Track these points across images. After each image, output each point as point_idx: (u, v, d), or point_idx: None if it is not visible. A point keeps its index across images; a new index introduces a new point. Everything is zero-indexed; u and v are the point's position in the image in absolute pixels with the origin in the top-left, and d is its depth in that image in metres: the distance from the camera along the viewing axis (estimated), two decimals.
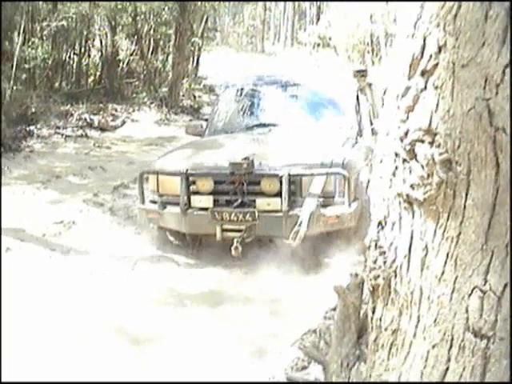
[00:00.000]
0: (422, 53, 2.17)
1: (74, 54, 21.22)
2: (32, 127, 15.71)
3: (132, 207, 9.47)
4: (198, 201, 7.57)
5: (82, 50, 21.53)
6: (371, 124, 8.76)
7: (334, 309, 5.40)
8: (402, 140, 2.22)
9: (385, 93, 2.38)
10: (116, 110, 19.27)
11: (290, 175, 7.14)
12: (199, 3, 22.85)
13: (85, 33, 21.15)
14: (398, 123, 2.24)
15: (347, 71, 9.69)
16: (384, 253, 2.38)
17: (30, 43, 17.43)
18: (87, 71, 22.06)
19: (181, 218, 7.60)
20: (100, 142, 15.97)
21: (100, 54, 22.46)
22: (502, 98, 2.02)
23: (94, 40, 22.61)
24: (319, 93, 9.23)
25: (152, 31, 22.75)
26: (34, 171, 12.42)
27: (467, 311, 2.20)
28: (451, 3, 2.06)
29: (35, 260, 7.57)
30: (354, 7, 32.53)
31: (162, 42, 23.66)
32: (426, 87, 2.18)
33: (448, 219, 2.18)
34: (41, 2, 18.76)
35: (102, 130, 17.43)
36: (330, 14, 36.04)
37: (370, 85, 9.61)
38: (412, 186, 2.23)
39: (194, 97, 23.10)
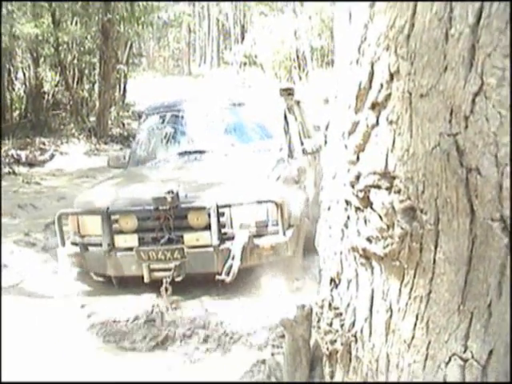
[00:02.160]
0: (371, 82, 1.83)
1: None
2: None
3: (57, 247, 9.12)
4: (123, 240, 7.21)
5: (5, 83, 20.98)
6: (302, 144, 8.57)
7: (281, 336, 5.17)
8: (353, 185, 1.90)
9: (327, 128, 2.06)
10: (44, 144, 18.90)
11: (218, 206, 6.85)
12: (122, 29, 22.53)
13: (7, 66, 20.67)
14: (346, 165, 1.92)
15: (274, 89, 9.51)
16: (340, 314, 2.09)
17: None
18: (12, 105, 21.51)
19: (105, 260, 7.23)
20: (29, 177, 15.58)
21: (24, 86, 22.00)
22: (474, 133, 1.68)
23: (17, 73, 22.16)
24: (246, 114, 8.98)
25: (76, 61, 22.39)
26: None
27: (445, 382, 1.89)
28: (402, 21, 1.71)
29: None
30: (277, 24, 32.75)
31: (86, 71, 23.29)
32: (378, 122, 1.85)
33: (415, 276, 1.87)
34: None
35: (31, 165, 17.05)
36: (255, 32, 36.23)
37: (297, 102, 9.45)
38: (369, 239, 1.92)
39: (123, 124, 22.86)
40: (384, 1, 1.79)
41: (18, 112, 21.75)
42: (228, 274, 6.64)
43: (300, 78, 33.16)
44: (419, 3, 1.70)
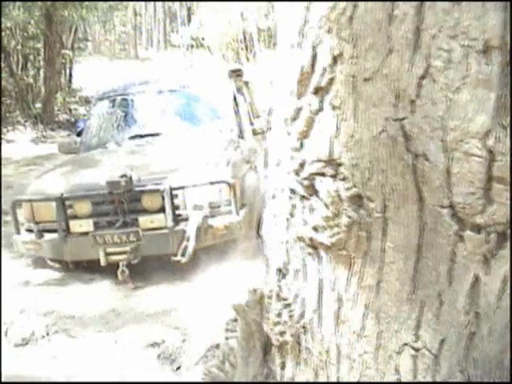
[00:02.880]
0: (313, 66, 1.76)
1: None
2: None
3: (13, 235, 8.97)
4: (78, 225, 7.23)
5: None
6: (251, 124, 8.61)
7: (235, 320, 5.14)
8: (297, 173, 1.84)
9: (270, 113, 2.01)
10: None
11: (171, 188, 6.87)
12: (67, 14, 22.20)
13: None
14: (290, 152, 1.87)
15: (222, 71, 9.51)
16: (289, 305, 2.04)
17: None
18: None
19: (60, 245, 7.22)
20: None
21: None
22: (421, 117, 1.62)
23: None
24: (195, 96, 9.01)
25: (19, 46, 22.02)
26: None
27: (398, 371, 1.86)
28: (344, 3, 1.64)
29: None
30: (224, 5, 32.62)
31: (31, 57, 22.93)
32: (321, 108, 1.78)
33: (364, 265, 1.82)
34: None
35: None
36: (201, 14, 36.05)
37: (246, 83, 9.47)
38: (315, 228, 1.86)
39: (70, 110, 22.60)
40: None
41: None
42: (183, 254, 6.74)
43: (248, 60, 33.10)
44: None
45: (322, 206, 1.83)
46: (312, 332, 2.02)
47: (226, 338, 4.91)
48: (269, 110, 2.30)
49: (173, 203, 6.94)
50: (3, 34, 20.69)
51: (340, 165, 1.77)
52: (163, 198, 6.94)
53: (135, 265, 7.02)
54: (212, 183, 6.97)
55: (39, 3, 20.87)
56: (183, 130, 8.50)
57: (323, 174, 1.81)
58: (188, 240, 6.78)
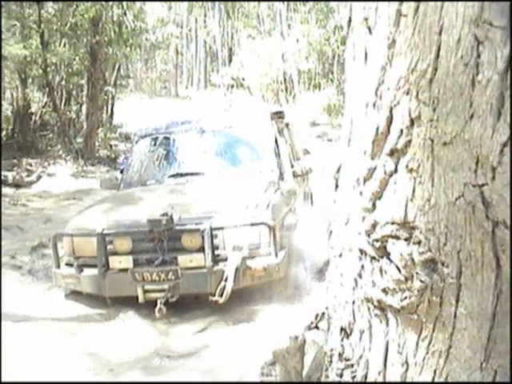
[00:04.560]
0: (389, 127, 1.74)
1: None
2: None
3: (52, 268, 9.00)
4: (117, 261, 7.26)
5: None
6: (292, 166, 8.62)
7: (271, 364, 5.08)
8: (368, 234, 1.80)
9: (338, 171, 1.97)
10: (31, 165, 18.81)
11: (211, 228, 6.87)
12: (110, 51, 22.49)
13: None
14: (361, 213, 1.83)
15: (263, 112, 9.55)
16: (351, 366, 1.99)
17: None
18: None
19: (100, 281, 7.24)
20: (15, 199, 15.43)
21: (11, 107, 21.87)
22: (502, 185, 1.58)
23: (4, 93, 22.05)
24: (236, 137, 9.03)
25: (64, 82, 22.30)
26: None
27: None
28: (424, 65, 1.61)
29: None
30: (265, 47, 32.84)
31: (74, 93, 23.22)
32: (396, 169, 1.76)
33: (434, 330, 1.77)
34: None
35: (17, 186, 16.92)
36: (242, 54, 36.32)
37: (287, 125, 9.49)
38: (385, 291, 1.82)
39: (111, 146, 22.77)
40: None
41: (4, 132, 21.60)
42: (221, 295, 6.69)
43: (287, 101, 33.21)
44: (443, 46, 1.61)
45: (393, 269, 1.79)
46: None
47: (261, 383, 4.85)
48: (337, 167, 2.24)
49: (212, 243, 6.94)
50: (48, 69, 20.95)
51: (414, 228, 1.73)
52: (203, 238, 6.94)
53: (173, 303, 7.02)
54: (252, 225, 6.97)
55: (84, 40, 21.17)
56: (224, 170, 8.52)
57: (396, 237, 1.77)
58: (226, 280, 6.77)
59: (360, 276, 1.93)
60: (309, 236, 7.63)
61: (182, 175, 8.64)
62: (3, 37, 18.72)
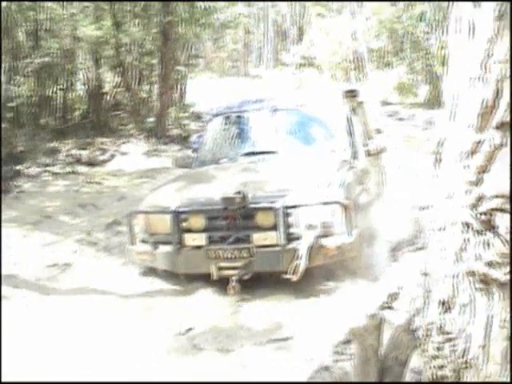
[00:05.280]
0: (497, 100, 1.73)
1: (59, 89, 20.91)
2: (20, 166, 15.45)
3: (127, 244, 9.18)
4: (191, 239, 7.39)
5: (67, 84, 21.23)
6: (365, 145, 8.58)
7: (345, 342, 5.13)
8: (473, 208, 1.81)
9: (441, 144, 1.95)
10: (104, 144, 18.97)
11: (285, 207, 6.91)
12: (181, 31, 22.60)
13: (68, 67, 20.85)
14: (465, 186, 1.83)
15: (335, 90, 9.53)
16: (452, 339, 1.99)
17: (13, 81, 17.16)
18: (73, 106, 21.70)
19: (174, 257, 7.39)
20: (90, 177, 15.75)
21: (85, 87, 22.16)
22: None
23: (78, 74, 22.33)
24: (309, 116, 9.07)
25: (136, 62, 22.46)
26: (25, 212, 12.13)
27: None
28: None
29: (30, 307, 7.25)
30: (335, 25, 32.62)
31: (146, 72, 23.35)
32: (504, 143, 1.77)
33: None
34: (23, 39, 18.60)
35: (91, 164, 17.19)
36: (312, 33, 36.12)
37: (360, 104, 9.45)
38: (489, 264, 1.84)
39: (182, 125, 22.85)
40: None
41: (78, 112, 21.91)
42: (294, 273, 6.71)
43: (357, 80, 32.96)
44: None
45: (499, 242, 1.81)
46: (476, 368, 1.97)
47: (335, 361, 4.91)
48: (439, 141, 2.22)
49: (286, 221, 7.00)
50: (121, 49, 21.16)
51: None
52: (276, 216, 7.01)
53: (245, 280, 7.09)
54: (325, 203, 6.99)
55: (156, 20, 21.30)
56: (297, 148, 8.57)
57: (503, 210, 1.78)
58: (299, 258, 6.81)
59: (463, 249, 1.92)
60: (382, 215, 7.64)
61: (255, 154, 8.74)
62: (77, 18, 18.98)
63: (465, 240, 1.89)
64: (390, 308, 4.87)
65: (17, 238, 10.32)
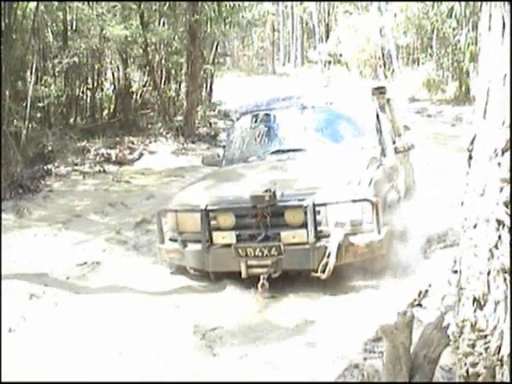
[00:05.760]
0: None
1: (87, 88, 21.06)
2: (50, 166, 15.51)
3: (156, 243, 9.21)
4: (221, 237, 7.39)
5: (95, 84, 21.37)
6: (393, 143, 8.55)
7: (374, 340, 5.12)
8: (507, 205, 1.80)
9: (472, 142, 1.94)
10: (133, 143, 19.02)
11: (314, 205, 6.91)
12: (209, 30, 22.67)
13: (96, 67, 20.99)
14: (499, 183, 1.83)
15: (363, 87, 9.51)
16: (485, 337, 1.98)
17: (42, 81, 17.29)
18: (101, 105, 21.90)
19: (203, 256, 7.40)
20: (119, 176, 15.74)
21: (113, 87, 22.31)
22: None
23: (106, 73, 22.47)
24: (337, 113, 9.04)
25: (163, 61, 22.55)
26: (54, 211, 12.20)
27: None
28: None
29: (61, 305, 7.30)
30: (362, 22, 32.58)
31: (173, 71, 23.44)
32: None
33: None
34: (52, 40, 18.75)
35: (120, 163, 17.19)
36: (339, 30, 36.11)
37: (388, 101, 9.41)
38: None
39: (210, 124, 22.91)
40: None
41: (107, 112, 22.09)
42: (324, 271, 6.73)
43: (385, 76, 32.91)
44: None
45: None
46: (510, 366, 1.96)
47: (365, 359, 4.89)
48: (471, 139, 2.22)
49: (315, 219, 6.97)
50: (148, 48, 21.22)
51: None
52: (306, 214, 6.98)
53: (275, 278, 7.10)
54: (354, 201, 6.98)
55: (183, 19, 21.37)
56: (325, 146, 8.53)
57: None
58: (329, 256, 6.81)
59: (497, 246, 1.91)
60: (411, 212, 7.62)
61: (283, 152, 8.71)
62: (105, 18, 19.08)
63: (498, 237, 1.87)
64: (420, 305, 4.85)
65: (47, 236, 10.38)
